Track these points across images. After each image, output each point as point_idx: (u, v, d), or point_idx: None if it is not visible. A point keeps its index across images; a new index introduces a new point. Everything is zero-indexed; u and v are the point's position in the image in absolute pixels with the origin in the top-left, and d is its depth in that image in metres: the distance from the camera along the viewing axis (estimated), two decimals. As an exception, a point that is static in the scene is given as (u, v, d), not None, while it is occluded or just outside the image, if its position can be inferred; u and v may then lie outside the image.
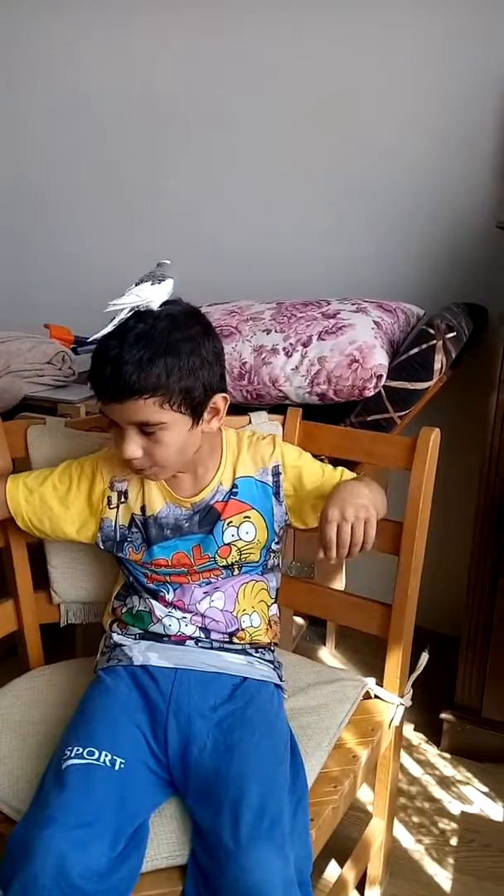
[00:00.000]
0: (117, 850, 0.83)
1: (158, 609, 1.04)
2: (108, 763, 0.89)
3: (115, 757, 0.90)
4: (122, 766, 0.89)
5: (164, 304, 0.94)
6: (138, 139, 2.00)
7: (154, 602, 1.05)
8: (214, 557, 1.04)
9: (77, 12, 1.98)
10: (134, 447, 0.93)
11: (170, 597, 1.04)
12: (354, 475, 1.10)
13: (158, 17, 1.89)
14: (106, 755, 0.89)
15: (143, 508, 1.04)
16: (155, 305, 0.92)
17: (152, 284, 0.90)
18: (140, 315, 0.91)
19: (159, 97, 1.94)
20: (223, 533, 1.03)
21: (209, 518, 1.04)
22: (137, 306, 0.91)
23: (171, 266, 0.92)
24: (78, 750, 0.89)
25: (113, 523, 1.05)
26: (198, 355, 0.92)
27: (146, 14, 1.90)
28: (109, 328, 0.90)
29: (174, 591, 1.04)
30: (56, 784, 0.86)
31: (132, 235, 2.07)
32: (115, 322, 0.90)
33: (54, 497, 1.05)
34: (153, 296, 0.90)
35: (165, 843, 0.88)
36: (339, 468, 1.11)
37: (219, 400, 0.98)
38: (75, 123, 2.06)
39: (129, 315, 0.91)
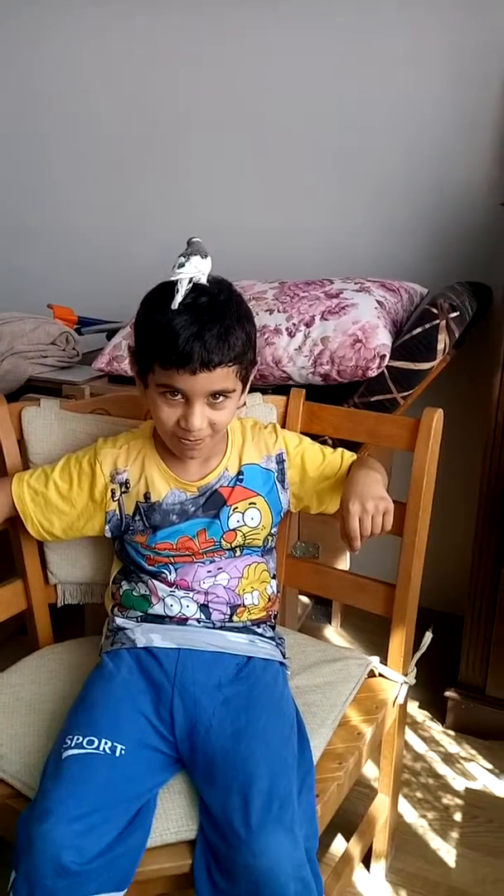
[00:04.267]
0: (118, 831, 0.84)
1: (160, 589, 1.05)
2: (107, 751, 0.90)
3: (115, 744, 0.90)
4: (123, 752, 0.90)
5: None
6: (139, 126, 1.98)
7: (156, 582, 1.06)
8: (220, 542, 1.04)
9: (78, 19, 1.96)
10: (202, 418, 0.94)
11: (172, 577, 1.05)
12: (354, 455, 1.10)
13: (158, 23, 1.87)
14: (106, 742, 0.90)
15: (146, 496, 1.04)
16: (204, 279, 0.92)
17: (203, 258, 0.90)
18: (201, 288, 0.91)
19: (161, 87, 1.93)
20: (229, 518, 1.04)
21: (214, 502, 1.04)
22: (192, 277, 0.91)
23: (202, 242, 0.92)
24: (78, 739, 0.90)
25: (118, 513, 1.05)
26: (253, 325, 0.97)
27: (147, 17, 1.88)
28: (178, 300, 0.89)
29: (177, 570, 1.05)
30: (55, 775, 0.88)
31: (134, 218, 2.06)
32: (181, 294, 0.89)
33: (58, 496, 1.05)
34: (205, 268, 0.91)
35: (174, 818, 0.89)
36: (339, 449, 1.11)
37: (254, 372, 1.01)
38: (77, 109, 2.05)
39: (189, 287, 0.90)
